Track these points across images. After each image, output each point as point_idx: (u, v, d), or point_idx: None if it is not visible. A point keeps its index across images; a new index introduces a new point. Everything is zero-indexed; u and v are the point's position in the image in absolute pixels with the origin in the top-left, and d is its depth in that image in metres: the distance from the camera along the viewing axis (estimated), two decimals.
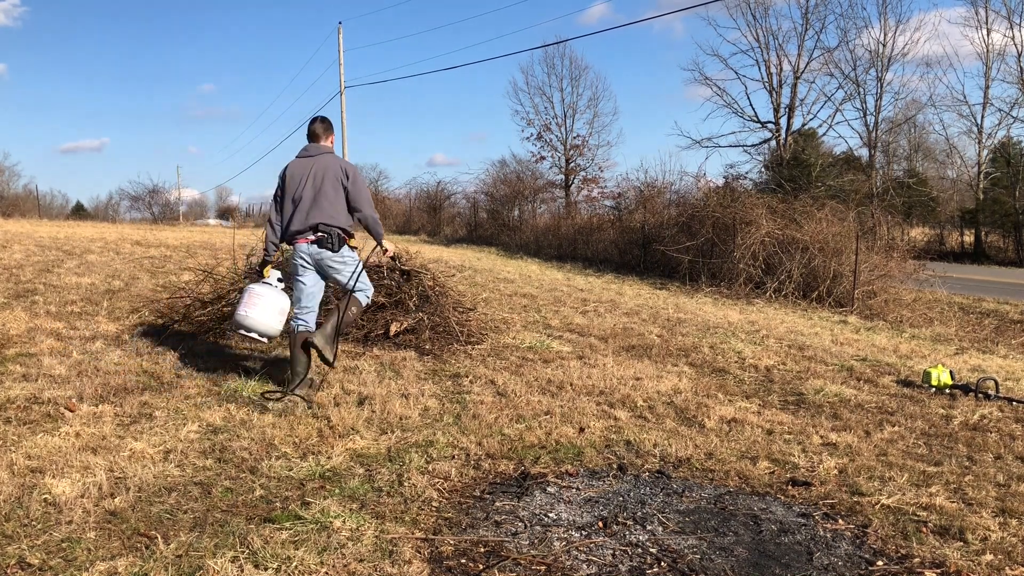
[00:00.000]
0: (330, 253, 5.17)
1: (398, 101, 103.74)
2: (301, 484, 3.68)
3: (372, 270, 7.45)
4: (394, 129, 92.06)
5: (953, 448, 4.82)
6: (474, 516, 3.43)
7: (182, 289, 7.94)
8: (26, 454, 3.83)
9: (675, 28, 71.07)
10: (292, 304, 5.35)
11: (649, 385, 6.00)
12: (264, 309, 5.16)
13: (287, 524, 3.20)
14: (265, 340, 5.36)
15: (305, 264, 5.20)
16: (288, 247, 5.43)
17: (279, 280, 5.36)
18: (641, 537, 3.28)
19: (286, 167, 5.29)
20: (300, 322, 5.20)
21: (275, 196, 5.34)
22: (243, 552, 2.94)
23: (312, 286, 5.25)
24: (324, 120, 5.38)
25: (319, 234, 5.13)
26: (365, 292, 5.43)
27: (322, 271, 5.27)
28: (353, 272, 5.28)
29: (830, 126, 35.39)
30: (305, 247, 5.17)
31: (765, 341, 8.69)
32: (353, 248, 5.39)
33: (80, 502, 3.31)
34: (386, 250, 5.77)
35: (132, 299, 8.86)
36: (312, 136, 5.33)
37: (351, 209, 5.26)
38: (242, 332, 5.24)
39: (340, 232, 5.20)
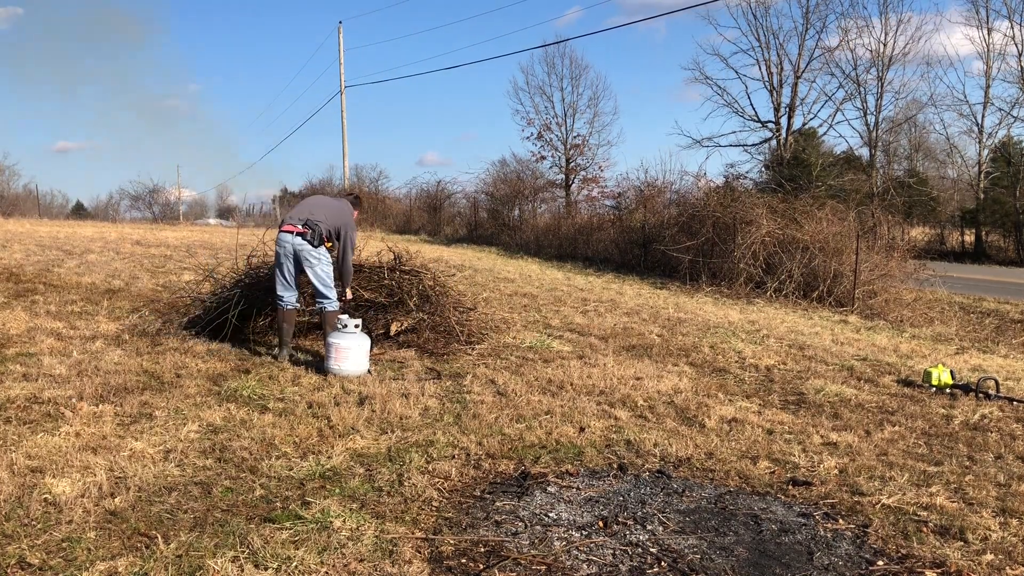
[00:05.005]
0: None
1: (393, 100, 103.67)
2: (301, 484, 3.68)
3: (373, 269, 7.46)
4: (389, 128, 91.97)
5: (954, 448, 4.82)
6: (474, 516, 3.43)
7: (182, 289, 7.93)
8: (26, 454, 3.83)
9: (675, 28, 71.07)
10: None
11: (649, 385, 5.99)
12: (356, 359, 5.80)
13: (287, 524, 3.20)
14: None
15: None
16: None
17: (356, 327, 5.85)
18: (641, 537, 3.27)
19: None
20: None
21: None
22: (243, 552, 2.94)
23: None
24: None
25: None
26: None
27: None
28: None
29: (830, 126, 35.36)
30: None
31: (765, 341, 8.68)
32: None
33: (80, 502, 3.31)
34: None
35: (132, 299, 8.87)
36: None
37: None
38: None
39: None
